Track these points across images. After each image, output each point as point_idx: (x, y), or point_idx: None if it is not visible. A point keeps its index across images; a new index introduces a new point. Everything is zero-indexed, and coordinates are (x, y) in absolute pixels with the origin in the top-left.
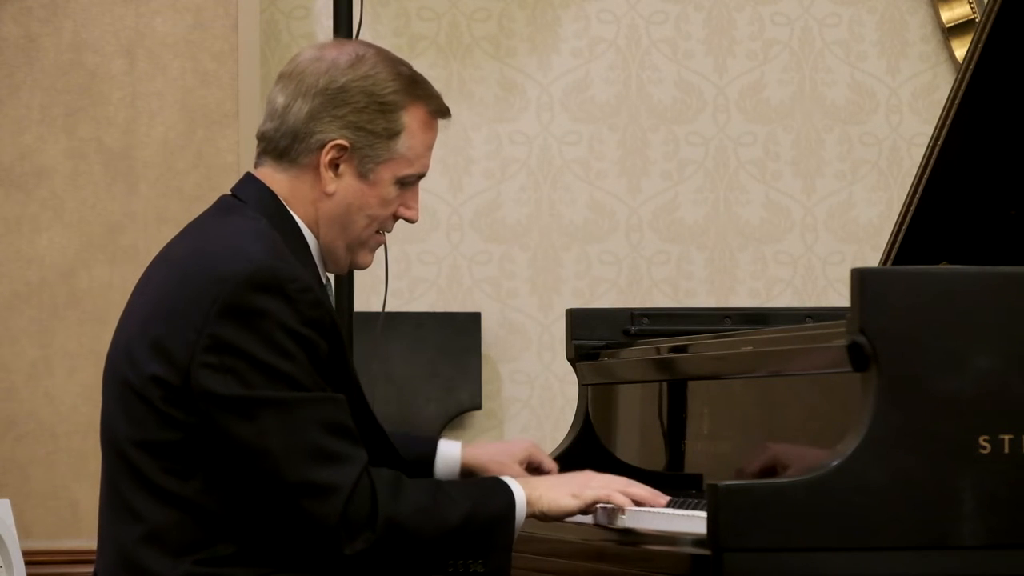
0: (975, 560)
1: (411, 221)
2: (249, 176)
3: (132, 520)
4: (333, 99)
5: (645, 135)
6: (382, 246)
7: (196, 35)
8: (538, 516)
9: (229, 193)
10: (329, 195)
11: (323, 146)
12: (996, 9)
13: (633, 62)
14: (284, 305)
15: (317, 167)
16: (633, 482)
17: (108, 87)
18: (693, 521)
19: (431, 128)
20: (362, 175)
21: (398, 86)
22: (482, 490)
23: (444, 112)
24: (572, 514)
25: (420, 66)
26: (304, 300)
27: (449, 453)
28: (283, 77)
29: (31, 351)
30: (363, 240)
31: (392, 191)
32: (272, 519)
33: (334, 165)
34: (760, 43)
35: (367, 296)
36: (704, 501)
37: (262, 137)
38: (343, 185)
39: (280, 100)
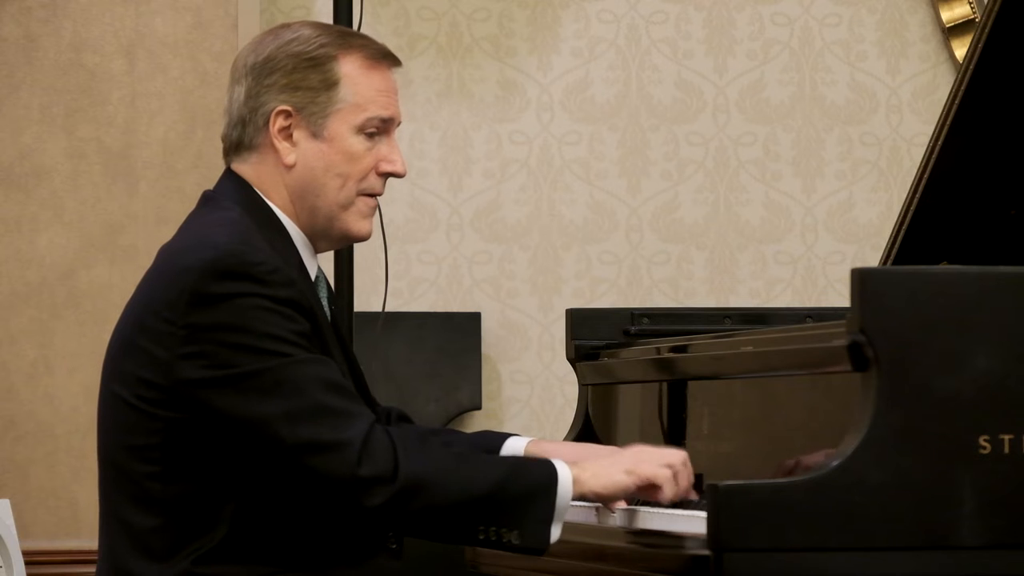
0: (975, 560)
1: (398, 175)
2: (226, 170)
3: (120, 528)
4: (262, 71)
5: (645, 135)
6: (382, 245)
7: (196, 35)
8: (592, 497)
9: (210, 189)
10: (291, 166)
11: (268, 119)
12: (996, 9)
13: (633, 62)
14: (253, 286)
15: (273, 144)
16: (684, 462)
17: (108, 87)
18: (693, 521)
19: (376, 71)
20: (315, 134)
21: (325, 40)
22: (520, 462)
23: (386, 56)
24: (629, 492)
25: (420, 66)
26: (274, 281)
27: (513, 447)
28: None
29: (31, 351)
30: (342, 203)
31: (355, 143)
32: (275, 504)
33: (287, 135)
34: (760, 43)
35: (367, 296)
36: (704, 501)
37: (222, 139)
38: (302, 151)
39: (226, 99)
